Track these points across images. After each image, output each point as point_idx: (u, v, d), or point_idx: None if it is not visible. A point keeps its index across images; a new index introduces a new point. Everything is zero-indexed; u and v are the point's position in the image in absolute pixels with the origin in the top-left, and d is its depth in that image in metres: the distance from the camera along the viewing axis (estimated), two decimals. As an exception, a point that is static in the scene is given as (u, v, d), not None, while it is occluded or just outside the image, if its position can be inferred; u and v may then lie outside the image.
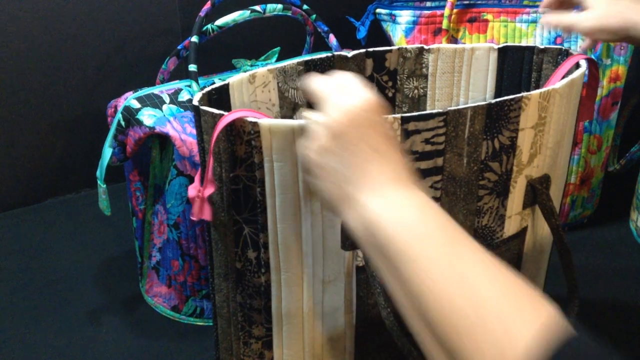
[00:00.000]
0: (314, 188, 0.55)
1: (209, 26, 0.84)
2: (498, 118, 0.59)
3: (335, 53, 0.73)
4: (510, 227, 0.65)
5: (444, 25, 0.94)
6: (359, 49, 0.75)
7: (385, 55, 0.75)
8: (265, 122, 0.55)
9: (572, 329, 0.40)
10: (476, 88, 0.76)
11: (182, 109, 0.80)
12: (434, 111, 0.57)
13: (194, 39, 0.83)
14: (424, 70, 0.76)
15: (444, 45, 0.75)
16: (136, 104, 0.79)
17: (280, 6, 0.87)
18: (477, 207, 0.62)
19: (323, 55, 0.73)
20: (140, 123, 0.78)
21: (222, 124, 0.56)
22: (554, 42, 0.93)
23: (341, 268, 0.61)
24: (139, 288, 0.93)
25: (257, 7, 0.85)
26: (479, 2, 0.96)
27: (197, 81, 0.82)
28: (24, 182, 1.14)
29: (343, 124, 0.50)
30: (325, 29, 0.94)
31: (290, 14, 0.90)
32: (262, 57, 0.88)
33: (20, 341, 0.84)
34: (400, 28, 0.97)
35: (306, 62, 0.72)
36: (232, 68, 0.90)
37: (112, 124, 0.80)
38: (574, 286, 0.66)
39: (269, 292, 0.63)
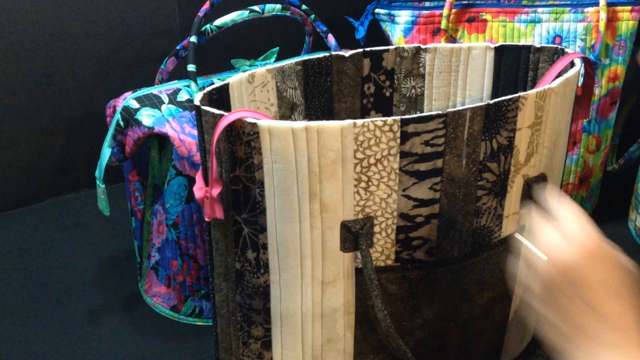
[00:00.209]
0: (538, 309, 0.49)
1: (207, 26, 0.84)
2: (496, 118, 0.59)
3: (333, 53, 0.73)
4: (508, 227, 0.65)
5: (443, 25, 0.94)
6: (358, 49, 0.75)
7: (383, 54, 0.75)
8: (265, 123, 0.56)
9: None
10: (473, 87, 0.76)
11: (181, 109, 0.80)
12: (433, 113, 0.57)
13: (193, 39, 0.83)
14: (421, 69, 0.76)
15: (440, 44, 0.75)
16: (135, 104, 0.79)
17: (279, 6, 0.87)
18: (475, 208, 0.62)
19: (321, 55, 0.73)
20: (139, 123, 0.78)
21: (222, 124, 0.56)
22: (553, 42, 0.93)
23: (340, 269, 0.61)
24: (138, 288, 0.93)
25: (256, 7, 0.85)
26: (478, 2, 0.96)
27: (196, 81, 0.82)
28: (23, 182, 1.14)
29: (580, 261, 0.44)
30: (324, 29, 0.94)
31: (289, 14, 0.90)
32: (261, 57, 0.88)
33: (19, 341, 0.84)
34: (399, 28, 0.97)
35: (304, 62, 0.72)
36: (230, 68, 0.90)
37: (111, 124, 0.80)
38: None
39: (268, 293, 0.63)
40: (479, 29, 0.95)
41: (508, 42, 0.89)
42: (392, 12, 0.97)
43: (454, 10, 0.95)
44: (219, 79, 0.86)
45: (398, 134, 0.57)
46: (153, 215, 0.85)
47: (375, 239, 0.61)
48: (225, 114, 0.57)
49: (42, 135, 1.13)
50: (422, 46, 0.75)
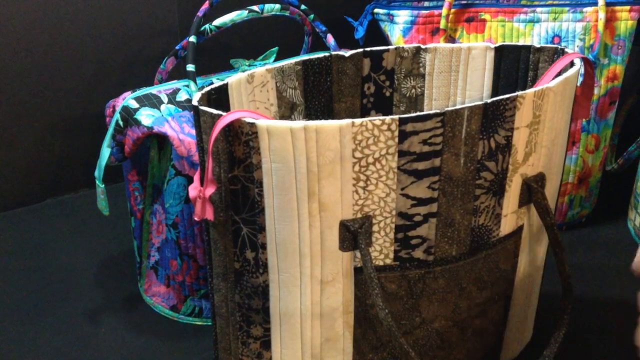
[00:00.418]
0: None
1: (207, 26, 0.84)
2: (494, 118, 0.59)
3: (333, 53, 0.73)
4: (506, 226, 0.65)
5: (442, 25, 0.94)
6: (357, 48, 0.75)
7: (383, 54, 0.75)
8: (263, 123, 0.56)
9: None
10: (473, 87, 0.77)
11: (180, 109, 0.80)
12: (431, 112, 0.57)
13: (192, 39, 0.83)
14: (421, 69, 0.76)
15: (440, 44, 0.75)
16: (134, 104, 0.79)
17: (278, 6, 0.87)
18: (474, 207, 0.62)
19: (321, 55, 0.73)
20: (138, 123, 0.78)
21: (220, 124, 0.56)
22: (552, 42, 0.93)
23: (339, 269, 0.61)
24: (137, 288, 0.93)
25: (255, 7, 0.86)
26: (477, 1, 0.96)
27: (195, 81, 0.82)
28: (22, 182, 1.14)
29: None
30: (323, 28, 0.94)
31: (288, 14, 0.90)
32: (260, 57, 0.88)
33: (18, 340, 0.84)
34: (398, 28, 0.97)
35: (304, 62, 0.72)
36: (230, 68, 0.90)
37: (110, 124, 0.81)
38: (568, 284, 0.67)
39: (267, 293, 0.63)
40: (478, 29, 0.95)
41: (507, 42, 0.89)
42: (391, 12, 0.97)
43: (453, 10, 0.95)
44: (218, 79, 0.87)
45: (396, 133, 0.57)
46: (152, 215, 0.85)
47: (374, 238, 0.61)
48: (224, 114, 0.57)
49: (42, 135, 1.13)
50: (422, 46, 0.75)
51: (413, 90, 0.77)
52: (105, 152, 0.80)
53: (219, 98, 0.65)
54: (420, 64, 0.76)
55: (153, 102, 0.80)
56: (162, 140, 0.82)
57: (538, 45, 0.73)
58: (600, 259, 0.97)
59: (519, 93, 0.60)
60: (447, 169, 0.60)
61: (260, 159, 0.57)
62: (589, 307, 0.87)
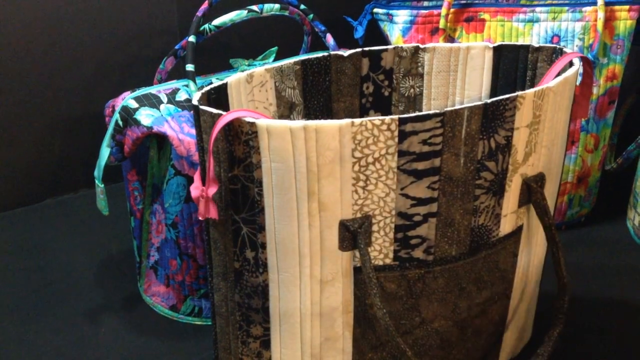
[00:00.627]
0: None
1: (206, 26, 0.84)
2: (494, 118, 0.59)
3: (332, 53, 0.73)
4: (506, 226, 0.65)
5: (441, 24, 0.94)
6: (356, 48, 0.75)
7: (381, 54, 0.75)
8: (263, 122, 0.56)
9: None
10: (472, 87, 0.77)
11: (179, 109, 0.80)
12: (431, 112, 0.57)
13: (192, 38, 0.83)
14: (420, 69, 0.76)
15: (439, 44, 0.75)
16: (134, 104, 0.79)
17: (277, 6, 0.88)
18: (473, 207, 0.62)
19: (320, 54, 0.73)
20: (137, 123, 0.78)
21: (220, 123, 0.56)
22: (551, 42, 0.93)
23: (339, 268, 0.61)
24: (137, 287, 0.93)
25: (255, 7, 0.86)
26: (476, 1, 0.96)
27: (194, 81, 0.82)
28: (22, 182, 1.14)
29: None
30: (323, 28, 0.94)
31: (287, 14, 0.91)
32: (260, 57, 0.88)
33: (18, 341, 0.84)
34: (398, 28, 0.97)
35: (303, 62, 0.72)
36: (229, 68, 0.90)
37: (109, 124, 0.81)
38: (563, 284, 0.67)
39: (267, 292, 0.63)
40: (477, 29, 0.95)
41: (506, 42, 0.90)
42: (391, 11, 0.97)
43: (452, 10, 0.95)
44: (217, 79, 0.87)
45: (396, 133, 0.57)
46: (152, 215, 0.85)
47: (374, 238, 0.61)
48: (224, 113, 0.57)
49: (41, 135, 1.13)
50: (421, 46, 0.75)
51: (412, 90, 0.77)
52: (105, 152, 0.80)
53: (219, 98, 0.65)
54: (419, 64, 0.76)
55: (152, 102, 0.80)
56: (161, 140, 0.82)
57: (537, 45, 0.73)
58: (599, 259, 0.97)
59: (519, 93, 0.60)
60: (447, 169, 0.60)
61: (260, 159, 0.57)
62: (588, 306, 0.87)
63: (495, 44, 0.74)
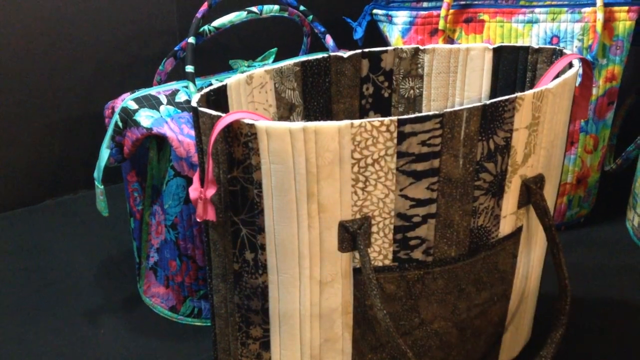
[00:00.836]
0: None
1: (205, 27, 0.84)
2: (493, 119, 0.59)
3: (332, 54, 0.73)
4: (506, 227, 0.65)
5: (441, 25, 0.94)
6: (356, 49, 0.75)
7: (381, 55, 0.75)
8: (262, 124, 0.56)
9: None
10: (471, 88, 0.77)
11: (179, 110, 0.80)
12: (430, 113, 0.57)
13: (191, 40, 0.83)
14: (420, 70, 0.76)
15: (439, 45, 0.75)
16: (133, 105, 0.79)
17: (277, 7, 0.88)
18: (472, 208, 0.62)
19: (319, 56, 0.73)
20: (137, 124, 0.78)
21: (220, 125, 0.56)
22: (550, 43, 0.93)
23: (338, 269, 0.61)
24: (136, 289, 0.93)
25: (254, 8, 0.86)
26: (475, 2, 0.96)
27: (194, 82, 0.82)
28: (21, 183, 1.14)
29: None
30: (322, 29, 0.94)
31: (287, 15, 0.91)
32: (259, 58, 0.88)
33: (18, 341, 0.84)
34: (397, 29, 0.97)
35: (302, 63, 0.72)
36: (229, 69, 0.90)
37: (109, 125, 0.81)
38: (564, 285, 0.67)
39: (267, 293, 0.63)
40: (477, 30, 0.95)
41: (506, 43, 0.90)
42: (390, 12, 0.97)
43: (451, 11, 0.95)
44: (217, 80, 0.87)
45: (395, 134, 0.57)
46: (152, 216, 0.85)
47: (373, 239, 0.61)
48: (223, 115, 0.57)
49: (41, 136, 1.13)
50: (421, 47, 0.75)
51: (411, 91, 0.77)
52: (105, 153, 0.80)
53: (218, 99, 0.65)
54: (419, 65, 0.76)
55: (152, 103, 0.80)
56: (161, 142, 0.82)
57: (536, 46, 0.73)
58: (599, 259, 0.97)
59: (518, 94, 0.60)
60: (446, 170, 0.60)
61: (259, 160, 0.57)
62: (588, 307, 0.87)
63: (495, 45, 0.74)
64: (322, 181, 0.57)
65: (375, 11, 0.99)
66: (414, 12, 0.96)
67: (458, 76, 0.76)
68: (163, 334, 0.85)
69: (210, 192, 0.59)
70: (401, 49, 0.75)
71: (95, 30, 1.11)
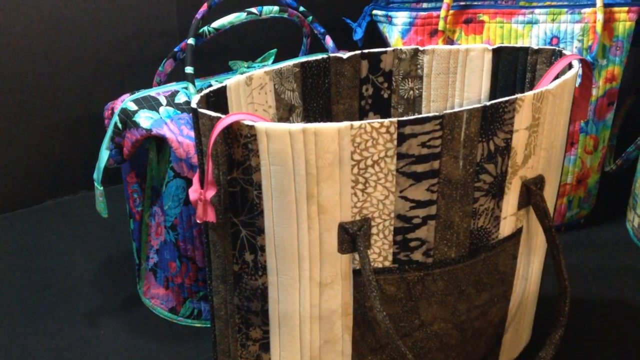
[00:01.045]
0: None
1: (205, 28, 0.84)
2: (493, 120, 0.59)
3: (331, 55, 0.73)
4: (506, 228, 0.65)
5: (440, 26, 0.94)
6: (355, 50, 0.75)
7: (381, 56, 0.75)
8: (262, 125, 0.56)
9: None
10: (471, 89, 0.77)
11: (178, 111, 0.80)
12: (430, 115, 0.57)
13: (191, 41, 0.83)
14: (419, 71, 0.76)
15: (438, 46, 0.75)
16: (133, 106, 0.79)
17: (276, 8, 0.88)
18: (473, 209, 0.62)
19: (319, 57, 0.73)
20: (137, 125, 0.78)
21: (219, 127, 0.56)
22: (550, 43, 0.93)
23: (338, 271, 0.61)
24: (136, 290, 0.93)
25: (254, 9, 0.86)
26: (475, 3, 0.96)
27: (193, 83, 0.82)
28: (21, 184, 1.14)
29: None
30: (322, 30, 0.94)
31: (286, 16, 0.91)
32: (259, 59, 0.88)
33: (17, 343, 0.84)
34: (397, 29, 0.97)
35: (302, 64, 0.72)
36: (228, 70, 0.90)
37: (109, 126, 0.81)
38: (564, 286, 0.67)
39: (266, 295, 0.63)
40: (476, 30, 0.95)
41: (505, 44, 0.90)
42: (390, 13, 0.97)
43: (451, 12, 0.95)
44: (217, 81, 0.87)
45: (395, 136, 0.57)
46: (151, 217, 0.85)
47: (373, 241, 0.61)
48: (222, 116, 0.57)
49: (41, 137, 1.13)
50: (420, 48, 0.75)
51: (411, 92, 0.77)
52: (104, 155, 0.80)
53: (218, 101, 0.65)
54: (418, 66, 0.76)
55: (152, 104, 0.80)
56: (160, 143, 0.82)
57: (536, 47, 0.73)
58: (598, 260, 0.97)
59: (518, 96, 0.60)
60: (446, 171, 0.60)
61: (259, 162, 0.57)
62: (588, 308, 0.87)
63: (495, 46, 0.74)
64: (322, 182, 0.57)
65: (374, 12, 0.99)
66: (414, 13, 0.96)
67: (458, 77, 0.76)
68: (163, 335, 0.85)
69: (210, 193, 0.59)
70: (401, 49, 0.75)
71: (95, 31, 1.11)
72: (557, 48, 0.72)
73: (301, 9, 0.93)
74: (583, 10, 0.92)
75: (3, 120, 1.09)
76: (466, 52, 0.75)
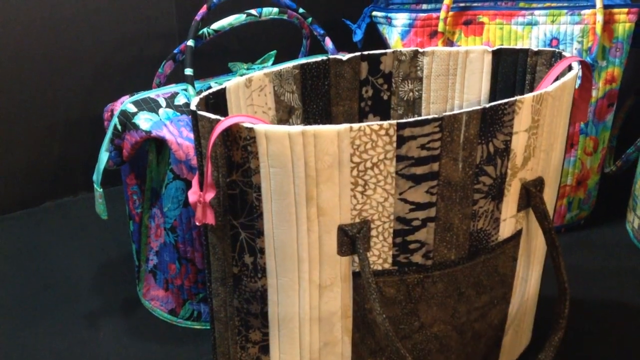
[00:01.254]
0: None
1: (205, 30, 0.84)
2: (492, 122, 0.59)
3: (331, 57, 0.73)
4: (505, 230, 0.65)
5: (440, 28, 0.94)
6: (355, 52, 0.75)
7: (381, 58, 0.75)
8: (261, 127, 0.56)
9: None
10: (471, 90, 0.77)
11: (178, 113, 0.80)
12: (429, 117, 0.57)
13: (190, 42, 0.83)
14: (419, 72, 0.76)
15: (438, 48, 0.75)
16: (132, 108, 0.79)
17: (276, 10, 0.87)
18: (472, 211, 0.62)
19: (319, 58, 0.73)
20: (136, 127, 0.78)
21: (219, 129, 0.56)
22: (550, 45, 0.93)
23: (337, 273, 0.61)
24: (136, 292, 0.93)
25: (253, 11, 0.86)
26: (475, 4, 0.96)
27: (193, 85, 0.82)
28: (21, 185, 1.14)
29: None
30: (322, 32, 0.94)
31: (286, 18, 0.90)
32: (259, 61, 0.88)
33: (17, 344, 0.84)
34: (397, 31, 0.97)
35: (302, 66, 0.72)
36: (228, 72, 0.90)
37: (108, 128, 0.81)
38: (564, 288, 0.67)
39: (266, 297, 0.63)
40: (476, 32, 0.95)
41: (505, 45, 0.90)
42: (390, 14, 0.97)
43: (451, 13, 0.95)
44: (216, 83, 0.87)
45: (394, 138, 0.57)
46: (151, 219, 0.85)
47: (372, 243, 0.61)
48: (222, 118, 0.57)
49: (40, 139, 1.13)
50: (420, 49, 0.75)
51: (411, 94, 0.77)
52: (104, 156, 0.80)
53: (217, 102, 0.65)
54: (418, 67, 0.76)
55: (151, 106, 0.80)
56: (160, 144, 0.82)
57: (536, 49, 0.73)
58: (598, 261, 0.97)
59: (518, 98, 0.60)
60: (446, 173, 0.60)
61: (258, 164, 0.57)
62: (588, 309, 0.87)
63: (494, 48, 0.74)
64: (321, 185, 0.57)
65: (374, 13, 0.99)
66: (414, 15, 0.96)
67: (457, 79, 0.76)
68: (162, 337, 0.85)
69: (210, 195, 0.59)
70: (400, 51, 0.75)
71: (95, 32, 1.11)
72: (557, 50, 0.72)
73: (301, 10, 0.93)
74: (583, 12, 0.92)
75: (3, 121, 1.09)
76: (466, 53, 0.75)
